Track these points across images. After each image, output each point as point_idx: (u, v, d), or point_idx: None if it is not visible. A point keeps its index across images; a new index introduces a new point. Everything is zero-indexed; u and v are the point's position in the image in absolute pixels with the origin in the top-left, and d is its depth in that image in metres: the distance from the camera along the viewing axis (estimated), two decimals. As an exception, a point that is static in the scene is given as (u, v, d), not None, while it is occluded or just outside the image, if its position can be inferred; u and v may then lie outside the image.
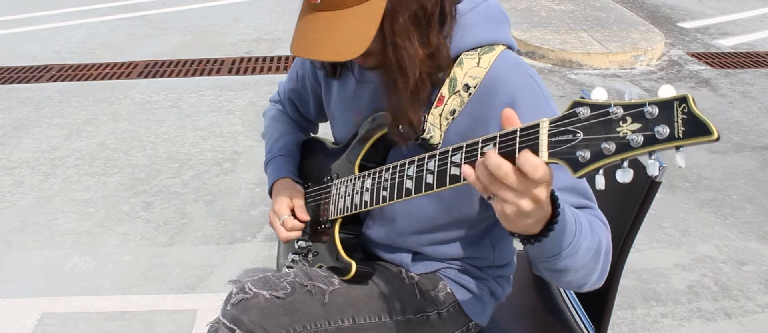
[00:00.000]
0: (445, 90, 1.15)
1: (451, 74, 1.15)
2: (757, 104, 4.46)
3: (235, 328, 1.21)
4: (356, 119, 1.32)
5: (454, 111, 1.17)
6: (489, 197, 0.89)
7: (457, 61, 1.15)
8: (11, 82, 4.73)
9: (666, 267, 2.70)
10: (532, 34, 5.52)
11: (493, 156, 0.85)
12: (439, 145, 1.18)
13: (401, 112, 1.16)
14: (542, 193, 0.85)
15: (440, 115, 1.16)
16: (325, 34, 1.06)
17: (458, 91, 1.15)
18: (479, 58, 1.15)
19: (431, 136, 1.16)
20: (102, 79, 4.78)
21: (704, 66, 5.20)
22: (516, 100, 1.12)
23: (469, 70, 1.14)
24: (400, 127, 1.19)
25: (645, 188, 1.29)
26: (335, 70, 1.35)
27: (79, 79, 4.77)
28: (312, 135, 1.64)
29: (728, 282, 2.61)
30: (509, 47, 1.19)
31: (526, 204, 0.85)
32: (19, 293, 2.50)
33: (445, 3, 1.11)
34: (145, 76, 4.82)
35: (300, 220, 1.39)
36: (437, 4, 1.10)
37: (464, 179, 0.91)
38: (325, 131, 1.52)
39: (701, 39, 5.94)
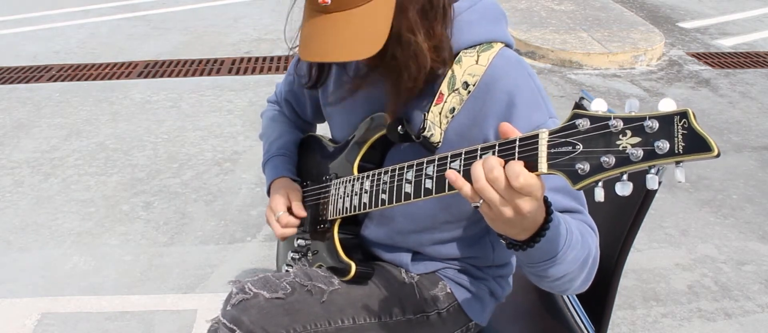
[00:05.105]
0: (444, 88, 1.15)
1: (451, 72, 1.15)
2: (757, 104, 4.46)
3: (235, 328, 1.20)
4: (353, 120, 1.32)
5: (454, 109, 1.17)
6: (476, 206, 0.90)
7: (456, 58, 1.15)
8: (11, 82, 4.73)
9: (666, 267, 2.70)
10: (532, 34, 5.51)
11: (491, 156, 0.87)
12: (440, 144, 1.18)
13: (395, 107, 1.17)
14: (525, 205, 0.86)
15: (440, 114, 1.16)
16: (337, 36, 1.05)
17: (457, 89, 1.15)
18: (478, 56, 1.15)
19: (432, 134, 1.16)
20: (102, 79, 4.78)
21: (704, 66, 5.20)
22: (514, 98, 1.12)
23: (468, 68, 1.14)
24: (400, 127, 1.19)
25: (645, 189, 1.29)
26: (319, 79, 1.35)
27: (79, 79, 4.77)
28: (310, 133, 1.63)
29: (728, 282, 2.61)
30: (507, 45, 1.19)
31: (508, 212, 0.86)
32: (19, 293, 2.50)
33: None
34: (145, 76, 4.82)
35: (296, 216, 1.39)
36: None
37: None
38: (324, 130, 1.52)
39: (701, 39, 5.93)
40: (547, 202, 0.94)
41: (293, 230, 1.39)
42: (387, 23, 1.04)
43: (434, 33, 1.10)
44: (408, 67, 1.11)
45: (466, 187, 0.89)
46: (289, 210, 1.39)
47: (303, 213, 1.39)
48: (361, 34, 1.05)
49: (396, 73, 1.13)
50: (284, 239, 1.42)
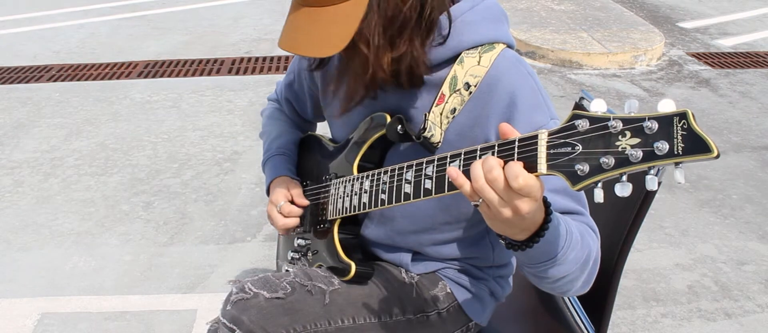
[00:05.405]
0: (445, 88, 1.15)
1: (452, 73, 1.15)
2: (757, 104, 4.46)
3: (235, 328, 1.20)
4: (353, 119, 1.32)
5: (455, 109, 1.17)
6: (476, 204, 0.90)
7: (458, 59, 1.15)
8: (11, 82, 4.73)
9: (666, 267, 2.70)
10: (532, 34, 5.52)
11: (490, 157, 0.87)
12: (440, 144, 1.18)
13: (346, 106, 1.22)
14: (524, 205, 0.86)
15: (441, 114, 1.16)
16: (308, 30, 1.07)
17: (459, 90, 1.15)
18: (480, 57, 1.15)
19: (432, 134, 1.16)
20: (102, 79, 4.78)
21: (704, 66, 5.20)
22: (515, 99, 1.13)
23: (470, 69, 1.14)
24: (400, 127, 1.19)
25: (644, 189, 1.29)
26: (321, 63, 1.36)
27: (79, 79, 4.77)
28: (310, 132, 1.63)
29: (728, 282, 2.61)
30: (509, 46, 1.19)
31: (506, 212, 0.87)
32: (19, 293, 2.50)
33: (426, 10, 1.09)
34: (145, 76, 4.82)
35: (298, 206, 1.38)
36: (415, 9, 1.08)
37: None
38: (324, 129, 1.52)
39: (701, 39, 5.93)
40: (546, 203, 0.94)
41: (296, 220, 1.39)
42: (353, 25, 1.05)
43: (397, 45, 1.10)
44: (356, 73, 1.13)
45: (466, 185, 0.89)
46: (291, 203, 1.39)
47: (305, 201, 1.39)
48: (327, 32, 1.06)
49: (350, 76, 1.16)
50: (286, 231, 1.42)
